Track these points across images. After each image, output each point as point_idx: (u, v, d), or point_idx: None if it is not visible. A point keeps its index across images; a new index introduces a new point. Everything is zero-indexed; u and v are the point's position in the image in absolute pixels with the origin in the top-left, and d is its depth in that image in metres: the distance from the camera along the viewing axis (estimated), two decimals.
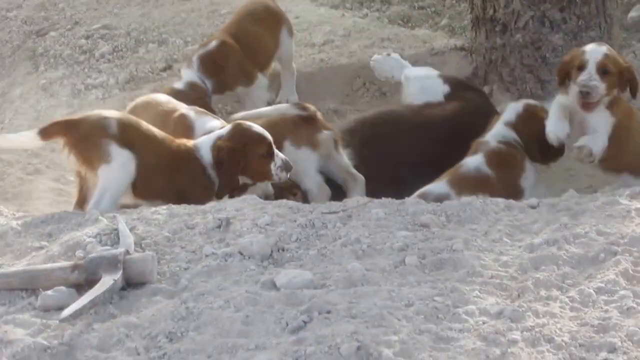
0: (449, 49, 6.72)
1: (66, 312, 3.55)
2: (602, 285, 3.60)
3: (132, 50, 7.27)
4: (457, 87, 5.66)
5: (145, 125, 4.84)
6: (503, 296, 3.60)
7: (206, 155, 4.81)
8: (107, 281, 3.68)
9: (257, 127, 4.86)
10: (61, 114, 6.29)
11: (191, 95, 5.81)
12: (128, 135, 4.70)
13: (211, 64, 6.06)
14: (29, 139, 4.71)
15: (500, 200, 4.40)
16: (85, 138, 4.67)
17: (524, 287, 3.63)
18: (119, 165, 4.67)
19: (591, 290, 3.57)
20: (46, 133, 4.69)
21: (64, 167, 5.96)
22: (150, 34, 7.40)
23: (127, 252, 3.83)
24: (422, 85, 5.66)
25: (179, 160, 4.82)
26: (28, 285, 3.77)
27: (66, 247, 4.04)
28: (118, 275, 3.71)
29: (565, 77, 4.84)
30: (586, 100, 4.67)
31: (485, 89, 6.31)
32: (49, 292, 3.69)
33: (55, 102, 6.75)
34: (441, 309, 3.48)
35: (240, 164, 4.80)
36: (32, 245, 4.14)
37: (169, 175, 4.80)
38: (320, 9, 7.70)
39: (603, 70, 4.68)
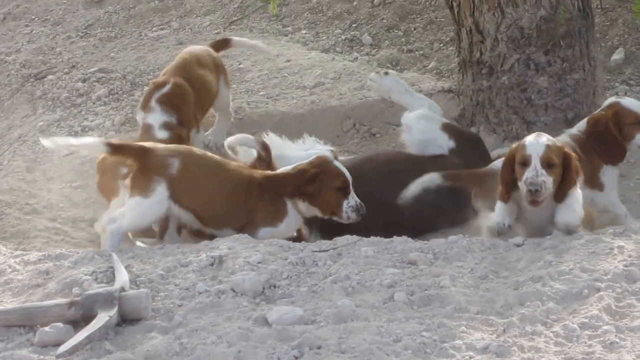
0: (436, 91, 6.74)
1: (63, 348, 3.60)
2: (586, 320, 3.68)
3: (127, 93, 7.32)
4: (462, 143, 5.56)
5: (212, 157, 4.95)
6: (489, 331, 3.67)
7: None
8: (103, 317, 3.73)
9: (338, 163, 4.95)
10: (58, 156, 6.35)
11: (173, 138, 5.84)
12: (189, 174, 4.80)
13: (171, 104, 6.02)
14: (94, 144, 4.85)
15: (485, 239, 4.47)
16: (144, 169, 4.78)
17: (510, 323, 3.70)
18: (153, 204, 4.78)
19: (575, 326, 3.65)
20: (116, 149, 4.82)
21: (61, 207, 6.01)
22: (145, 77, 7.45)
23: (123, 289, 3.89)
24: (425, 138, 5.56)
25: (251, 187, 4.88)
26: (26, 322, 3.83)
27: (63, 285, 4.09)
28: (113, 311, 3.77)
29: (509, 180, 4.52)
30: (535, 198, 4.39)
31: (472, 130, 6.36)
32: (46, 328, 3.74)
33: None
34: (429, 344, 3.55)
35: (307, 186, 4.83)
36: (29, 283, 4.19)
37: (238, 202, 4.86)
38: (311, 53, 7.77)
39: (548, 163, 4.42)
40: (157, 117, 5.96)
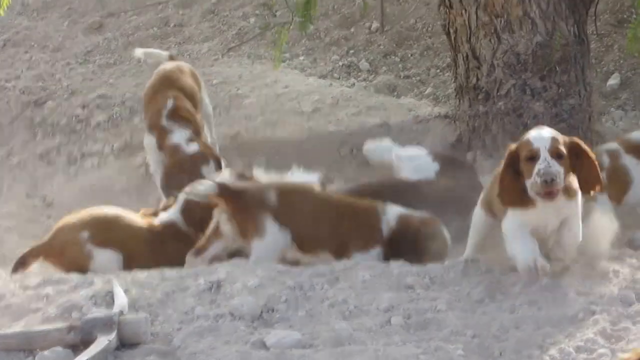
0: (433, 117, 6.81)
1: None
2: (582, 344, 3.70)
3: (126, 119, 7.39)
4: (446, 164, 5.70)
5: (305, 186, 5.01)
6: (485, 355, 3.68)
7: (389, 219, 4.93)
8: (102, 341, 3.75)
9: (444, 229, 4.95)
10: (58, 182, 6.39)
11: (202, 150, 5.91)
12: (287, 203, 4.84)
13: (183, 117, 6.15)
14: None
15: (481, 263, 4.50)
16: (244, 209, 4.81)
17: (506, 346, 3.72)
18: (272, 242, 4.80)
19: (571, 349, 3.67)
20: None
21: None
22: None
23: (122, 313, 3.91)
24: (415, 164, 5.71)
25: (347, 214, 4.93)
26: (26, 346, 3.84)
27: (62, 309, 4.11)
28: (113, 335, 3.79)
29: (514, 183, 4.24)
30: (551, 188, 4.12)
31: (469, 156, 6.39)
32: (46, 352, 3.76)
33: (52, 169, 6.83)
34: None
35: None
36: (29, 307, 4.20)
37: (333, 227, 4.89)
38: (309, 79, 7.83)
39: (557, 154, 4.16)
40: (180, 135, 6.09)
